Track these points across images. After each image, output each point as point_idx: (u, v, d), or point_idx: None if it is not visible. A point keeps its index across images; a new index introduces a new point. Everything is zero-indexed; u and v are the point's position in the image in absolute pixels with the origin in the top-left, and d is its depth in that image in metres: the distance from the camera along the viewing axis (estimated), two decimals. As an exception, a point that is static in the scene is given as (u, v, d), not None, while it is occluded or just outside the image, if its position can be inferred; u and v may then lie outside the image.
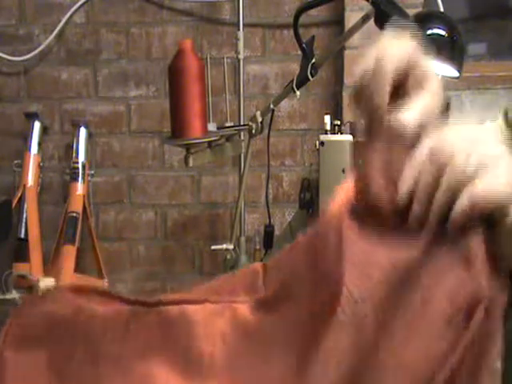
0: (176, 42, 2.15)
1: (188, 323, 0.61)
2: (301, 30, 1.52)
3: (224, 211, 2.35)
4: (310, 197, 1.64)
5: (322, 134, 1.61)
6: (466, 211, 0.49)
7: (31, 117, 2.36)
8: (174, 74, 1.55)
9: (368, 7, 1.33)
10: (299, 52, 1.55)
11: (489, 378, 0.46)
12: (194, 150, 1.61)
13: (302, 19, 1.52)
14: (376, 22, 1.30)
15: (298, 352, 0.56)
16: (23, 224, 2.29)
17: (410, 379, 0.47)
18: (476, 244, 0.49)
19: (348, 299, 0.53)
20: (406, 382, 0.48)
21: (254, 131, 1.71)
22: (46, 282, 1.96)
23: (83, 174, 2.32)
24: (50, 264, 2.29)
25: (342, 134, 1.63)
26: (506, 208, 0.49)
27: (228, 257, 1.87)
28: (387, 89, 0.54)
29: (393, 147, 0.54)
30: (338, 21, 2.16)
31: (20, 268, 2.18)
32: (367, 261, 0.54)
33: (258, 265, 0.65)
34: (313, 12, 2.00)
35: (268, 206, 1.89)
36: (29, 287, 2.06)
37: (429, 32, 1.17)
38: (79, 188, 2.32)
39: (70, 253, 2.23)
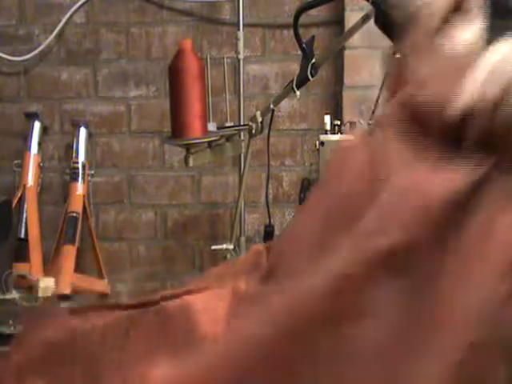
0: (176, 41, 2.15)
1: (188, 313, 0.61)
2: (301, 30, 1.52)
3: (224, 211, 2.35)
4: (309, 197, 1.64)
5: (321, 134, 1.61)
6: None
7: (31, 117, 2.36)
8: (174, 74, 1.55)
9: (368, 7, 1.33)
10: (299, 52, 1.55)
11: None
12: (194, 150, 1.61)
13: (302, 19, 1.51)
14: (376, 22, 1.30)
15: None
16: (23, 224, 2.29)
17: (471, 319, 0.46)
18: None
19: (400, 234, 0.50)
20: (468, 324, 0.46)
21: (254, 131, 1.71)
22: (46, 282, 1.96)
23: (83, 174, 2.32)
24: (50, 264, 2.29)
25: (341, 133, 1.63)
26: None
27: (228, 257, 1.87)
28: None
29: (446, 61, 0.52)
30: (338, 21, 2.16)
31: (20, 268, 2.18)
32: (420, 191, 0.50)
33: (260, 245, 0.66)
34: (313, 12, 2.00)
35: (268, 206, 1.89)
36: (29, 287, 2.06)
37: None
38: (79, 188, 2.32)
39: (69, 253, 2.23)
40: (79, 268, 2.30)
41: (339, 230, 0.55)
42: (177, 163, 2.36)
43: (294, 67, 1.93)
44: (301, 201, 1.67)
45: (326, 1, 1.64)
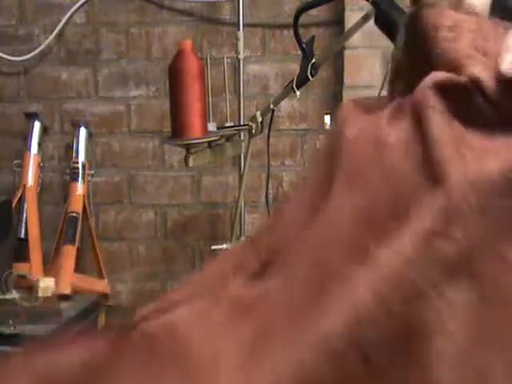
0: (176, 42, 2.15)
1: (175, 333, 0.53)
2: (301, 30, 1.52)
3: (224, 211, 2.35)
4: (309, 197, 1.64)
5: (321, 134, 1.61)
6: None
7: (31, 117, 2.36)
8: (174, 74, 1.55)
9: (368, 7, 1.33)
10: (299, 52, 1.55)
11: None
12: (193, 150, 1.61)
13: (302, 19, 1.51)
14: (376, 21, 1.30)
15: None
16: (23, 224, 2.29)
17: None
18: None
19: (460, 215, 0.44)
20: None
21: (254, 131, 1.71)
22: (46, 282, 1.96)
23: (83, 174, 2.32)
24: (50, 264, 2.30)
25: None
26: None
27: (228, 257, 1.87)
28: None
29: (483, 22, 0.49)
30: (338, 21, 2.16)
31: (20, 268, 2.18)
32: (476, 170, 0.45)
33: (238, 245, 0.62)
34: (313, 12, 2.00)
35: (268, 206, 1.89)
36: (29, 287, 2.06)
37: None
38: (79, 188, 2.32)
39: (69, 253, 2.23)
40: (79, 268, 2.30)
41: (381, 229, 0.48)
42: (177, 163, 2.36)
43: (294, 67, 1.93)
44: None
45: (326, 1, 1.64)
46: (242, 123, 2.10)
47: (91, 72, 2.39)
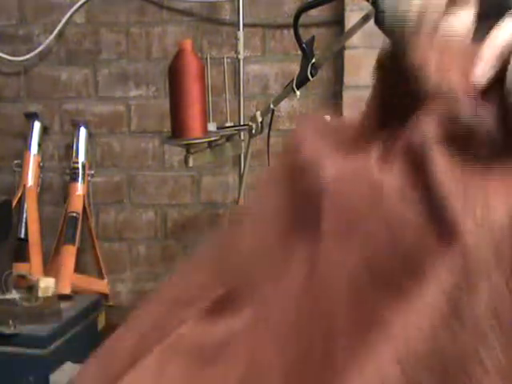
0: (176, 42, 2.15)
1: None
2: (301, 30, 1.52)
3: (224, 211, 2.35)
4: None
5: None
6: None
7: (31, 117, 2.36)
8: (174, 74, 1.55)
9: (368, 7, 1.32)
10: (299, 52, 1.55)
11: None
12: (193, 150, 1.61)
13: (302, 19, 1.51)
14: (376, 22, 1.30)
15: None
16: (23, 224, 2.29)
17: None
18: None
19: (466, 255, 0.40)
20: None
21: (254, 131, 1.71)
22: (46, 282, 1.96)
23: (83, 174, 2.33)
24: (50, 264, 2.30)
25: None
26: None
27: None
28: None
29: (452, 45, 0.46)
30: (338, 21, 2.16)
31: (20, 268, 2.18)
32: (488, 218, 0.41)
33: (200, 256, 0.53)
34: (313, 12, 2.00)
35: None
36: (29, 287, 2.06)
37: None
38: (79, 188, 2.32)
39: (70, 253, 2.23)
40: (79, 268, 2.30)
41: (392, 291, 0.42)
42: (177, 163, 2.36)
43: (294, 67, 1.93)
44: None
45: (326, 1, 1.64)
46: (242, 123, 2.10)
47: (91, 72, 2.39)
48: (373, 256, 0.43)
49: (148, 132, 2.38)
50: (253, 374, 0.43)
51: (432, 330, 0.40)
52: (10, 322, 1.83)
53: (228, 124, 1.84)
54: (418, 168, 0.44)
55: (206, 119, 1.59)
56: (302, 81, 1.56)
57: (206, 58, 1.79)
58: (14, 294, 1.94)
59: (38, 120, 2.36)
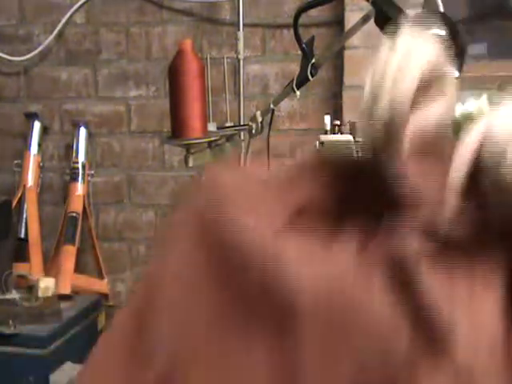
0: (176, 41, 2.15)
1: None
2: (301, 30, 1.52)
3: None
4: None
5: (322, 134, 1.61)
6: None
7: (31, 117, 2.37)
8: (174, 73, 1.54)
9: (368, 7, 1.32)
10: (299, 52, 1.55)
11: None
12: (193, 150, 1.61)
13: (302, 19, 1.51)
14: (376, 21, 1.30)
15: None
16: (23, 224, 2.29)
17: None
18: None
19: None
20: None
21: (253, 131, 1.71)
22: (46, 282, 1.96)
23: (83, 174, 2.33)
24: (50, 264, 2.30)
25: (342, 133, 1.63)
26: None
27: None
28: (410, 99, 0.48)
29: (423, 156, 0.47)
30: (338, 21, 2.16)
31: (20, 268, 2.19)
32: (477, 333, 0.41)
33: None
34: (313, 12, 2.00)
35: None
36: (29, 287, 2.06)
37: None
38: (79, 188, 2.32)
39: (70, 253, 2.23)
40: (79, 268, 2.30)
41: None
42: (177, 163, 2.36)
43: (294, 67, 1.93)
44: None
45: (326, 1, 1.64)
46: (242, 123, 2.11)
47: (91, 72, 2.39)
48: (360, 369, 0.41)
49: (148, 132, 2.38)
50: None
51: None
52: (10, 322, 1.83)
53: (228, 124, 1.84)
54: (404, 284, 0.42)
55: (206, 119, 1.59)
56: (302, 81, 1.55)
57: (206, 58, 1.79)
58: (14, 294, 1.94)
59: (38, 120, 2.36)
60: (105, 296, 2.30)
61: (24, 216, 2.29)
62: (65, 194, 2.39)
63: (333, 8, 2.16)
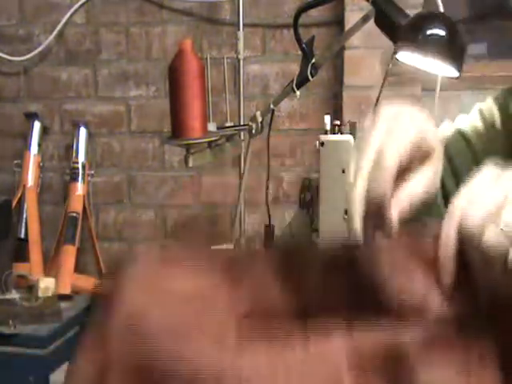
0: (176, 42, 2.15)
1: None
2: (301, 30, 1.52)
3: (224, 211, 2.35)
4: (310, 197, 1.64)
5: (322, 134, 1.61)
6: None
7: (31, 117, 2.36)
8: (174, 74, 1.54)
9: (368, 7, 1.33)
10: (299, 52, 1.55)
11: None
12: (193, 150, 1.61)
13: (302, 19, 1.51)
14: (376, 22, 1.30)
15: None
16: (23, 224, 2.29)
17: None
18: None
19: None
20: None
21: (254, 131, 1.71)
22: (46, 282, 1.96)
23: (83, 174, 2.33)
24: (50, 264, 2.30)
25: (342, 133, 1.63)
26: None
27: (228, 257, 1.87)
28: (389, 185, 0.49)
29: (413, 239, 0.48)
30: (338, 21, 2.16)
31: (20, 268, 2.18)
32: None
33: None
34: (313, 12, 2.01)
35: (268, 206, 1.89)
36: (29, 287, 2.06)
37: (429, 32, 1.17)
38: (79, 188, 2.32)
39: (69, 253, 2.23)
40: (79, 268, 2.30)
41: None
42: (177, 163, 2.36)
43: (294, 67, 1.93)
44: (301, 201, 1.67)
45: (326, 1, 1.64)
46: (242, 123, 2.11)
47: (91, 72, 2.39)
48: None
49: (148, 132, 2.38)
50: None
51: None
52: (10, 322, 1.83)
53: (228, 124, 1.84)
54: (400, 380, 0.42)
55: (206, 119, 1.59)
56: (302, 81, 1.56)
57: (206, 58, 1.79)
58: (13, 294, 1.94)
59: (38, 120, 2.36)
60: (105, 296, 2.30)
61: (24, 216, 2.29)
62: (65, 193, 2.39)
63: (333, 8, 2.16)
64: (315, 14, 2.13)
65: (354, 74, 2.09)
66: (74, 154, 2.34)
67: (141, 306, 0.46)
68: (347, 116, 2.02)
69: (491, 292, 0.45)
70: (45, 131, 2.40)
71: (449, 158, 0.88)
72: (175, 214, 2.39)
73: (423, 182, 0.52)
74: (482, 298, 0.45)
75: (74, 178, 2.32)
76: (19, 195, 2.30)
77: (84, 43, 2.39)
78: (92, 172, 2.38)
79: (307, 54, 1.52)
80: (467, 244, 0.45)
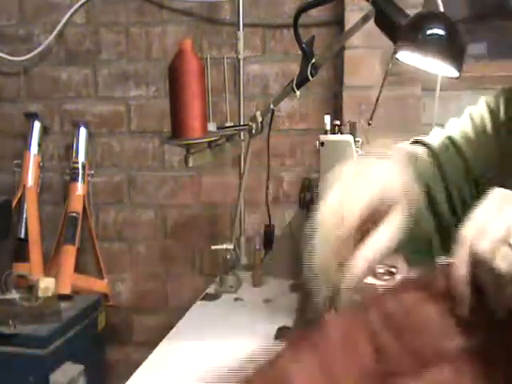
0: (176, 42, 2.15)
1: None
2: (301, 30, 1.52)
3: (224, 211, 2.35)
4: (310, 197, 1.64)
5: (321, 134, 1.61)
6: None
7: (31, 117, 2.36)
8: (174, 73, 1.55)
9: (368, 7, 1.33)
10: (299, 52, 1.55)
11: None
12: (193, 150, 1.61)
13: (302, 19, 1.52)
14: (376, 21, 1.30)
15: None
16: (23, 224, 2.29)
17: None
18: None
19: None
20: None
21: (254, 131, 1.71)
22: (46, 282, 1.96)
23: (83, 174, 2.33)
24: (50, 264, 2.30)
25: (342, 133, 1.63)
26: None
27: (228, 257, 1.87)
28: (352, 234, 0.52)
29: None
30: (338, 21, 2.16)
31: (20, 268, 2.18)
32: None
33: None
34: (313, 12, 2.00)
35: (268, 206, 1.89)
36: (29, 287, 2.06)
37: (429, 32, 1.17)
38: (79, 188, 2.32)
39: (70, 253, 2.23)
40: (79, 268, 2.30)
41: None
42: (177, 163, 2.36)
43: (294, 67, 1.93)
44: (301, 201, 1.67)
45: (326, 1, 1.64)
46: (242, 123, 2.11)
47: (91, 72, 2.39)
48: None
49: (148, 132, 2.38)
50: None
51: None
52: (10, 322, 1.83)
53: (228, 124, 1.84)
54: None
55: (206, 119, 1.59)
56: (302, 81, 1.56)
57: (206, 58, 1.79)
58: (13, 294, 1.94)
59: (38, 120, 2.36)
60: (105, 296, 2.30)
61: (24, 216, 2.29)
62: (65, 193, 2.39)
63: (333, 8, 2.16)
64: (315, 14, 2.13)
65: (354, 73, 2.09)
66: (74, 154, 2.34)
67: None
68: (347, 116, 2.02)
69: (505, 314, 0.45)
70: (45, 131, 2.40)
71: (439, 165, 0.88)
72: (175, 214, 2.39)
73: (387, 233, 0.54)
74: (496, 320, 0.45)
75: (74, 178, 2.32)
76: (19, 195, 2.30)
77: (84, 43, 2.39)
78: (92, 172, 2.38)
79: (307, 54, 1.52)
80: (479, 268, 0.46)
